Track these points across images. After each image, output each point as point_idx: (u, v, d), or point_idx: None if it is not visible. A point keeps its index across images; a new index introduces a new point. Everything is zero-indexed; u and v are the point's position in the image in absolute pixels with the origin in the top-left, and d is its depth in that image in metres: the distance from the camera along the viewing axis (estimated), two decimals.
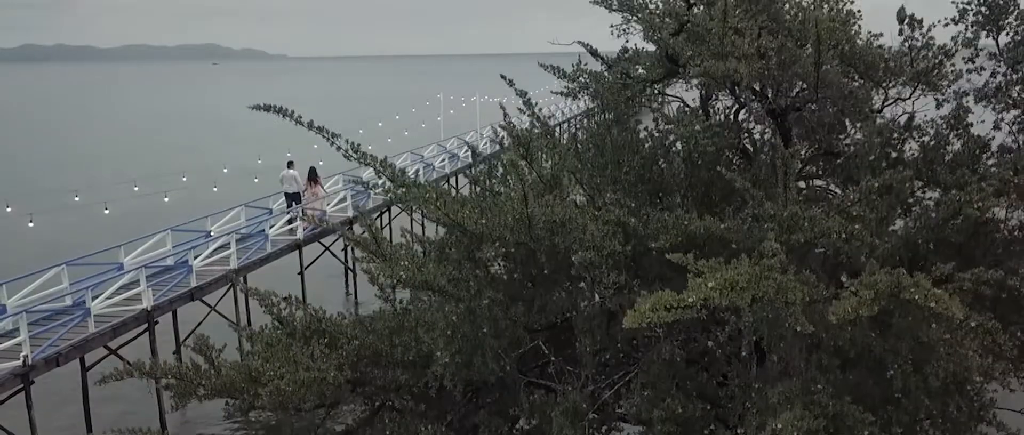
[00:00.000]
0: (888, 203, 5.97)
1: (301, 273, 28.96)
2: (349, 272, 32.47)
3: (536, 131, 8.04)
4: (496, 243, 6.19)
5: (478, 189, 7.60)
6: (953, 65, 7.40)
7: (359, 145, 7.55)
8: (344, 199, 31.34)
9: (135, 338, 21.30)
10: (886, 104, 7.49)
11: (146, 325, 20.89)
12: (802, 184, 9.67)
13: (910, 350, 5.35)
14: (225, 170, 40.98)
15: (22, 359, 17.05)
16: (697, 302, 4.52)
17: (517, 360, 6.65)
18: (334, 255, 31.85)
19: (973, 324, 5.07)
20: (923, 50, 7.17)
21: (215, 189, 39.06)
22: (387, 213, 35.11)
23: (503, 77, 8.30)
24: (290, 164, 31.17)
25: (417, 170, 38.50)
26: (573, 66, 9.58)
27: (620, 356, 6.93)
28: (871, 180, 5.88)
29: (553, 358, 6.59)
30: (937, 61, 7.20)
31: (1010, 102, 7.61)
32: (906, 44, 7.21)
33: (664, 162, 7.52)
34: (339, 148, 7.02)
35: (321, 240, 30.76)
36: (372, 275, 6.28)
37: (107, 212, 34.07)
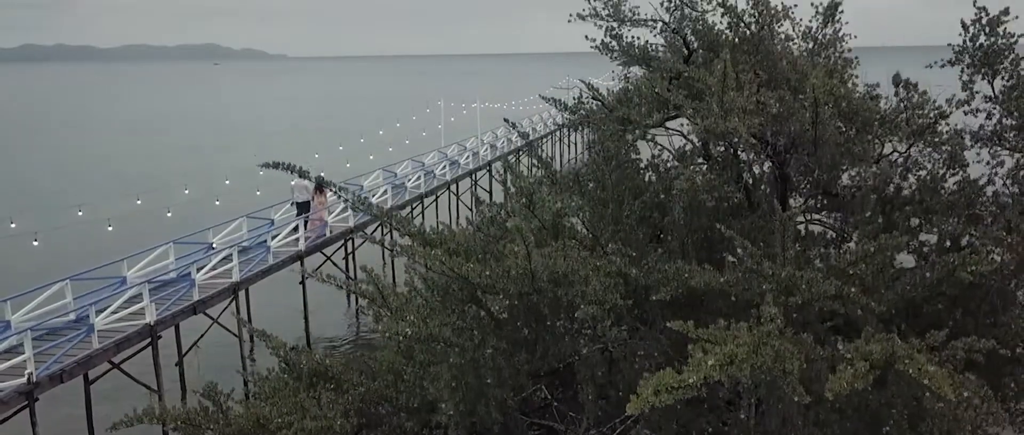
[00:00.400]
0: (883, 264, 6.08)
1: (302, 283, 29.10)
2: (350, 281, 32.59)
3: (539, 173, 8.15)
4: (500, 296, 6.29)
5: (481, 234, 7.69)
6: (948, 123, 7.51)
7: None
8: (345, 209, 31.44)
9: (138, 352, 21.41)
10: (883, 155, 7.60)
11: (149, 339, 20.99)
12: (802, 219, 9.81)
13: (905, 405, 5.47)
14: (227, 181, 41.04)
15: (27, 377, 17.15)
16: (698, 381, 4.63)
17: (520, 403, 6.76)
18: (335, 264, 31.94)
19: (966, 394, 5.19)
20: (918, 109, 7.28)
21: (217, 202, 39.18)
22: (388, 220, 35.23)
23: (506, 121, 8.40)
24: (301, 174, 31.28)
25: (418, 176, 38.63)
26: (574, 99, 9.72)
27: (621, 398, 7.03)
28: (866, 243, 5.99)
29: (556, 402, 6.70)
30: (932, 120, 7.32)
31: (1007, 146, 7.72)
32: (902, 103, 7.32)
33: (665, 209, 7.62)
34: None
35: (323, 250, 30.91)
36: (380, 332, 6.37)
37: (110, 229, 34.13)
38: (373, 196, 34.59)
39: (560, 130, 70.28)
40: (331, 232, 30.61)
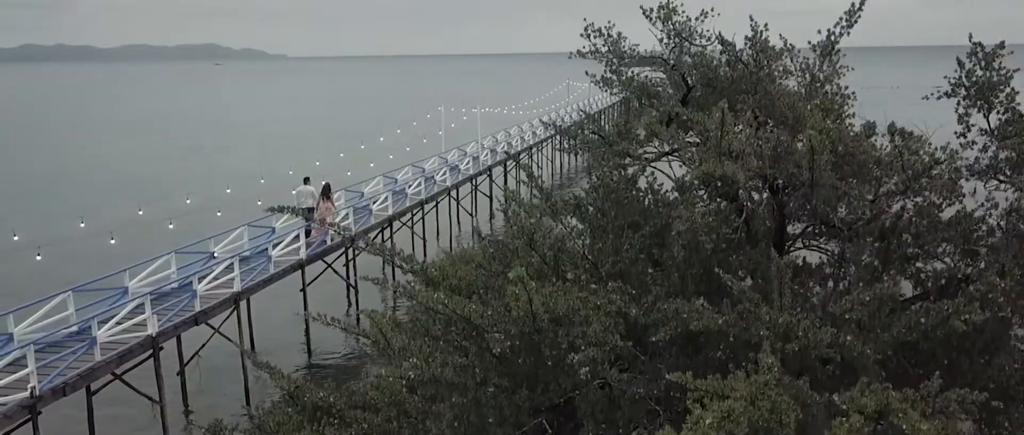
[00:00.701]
0: (878, 310, 6.17)
1: (303, 290, 29.23)
2: (350, 289, 32.72)
3: (539, 204, 8.24)
4: (501, 335, 6.39)
5: (483, 270, 7.77)
6: (944, 168, 7.60)
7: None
8: (346, 217, 31.62)
9: (140, 363, 21.53)
10: (879, 195, 7.69)
11: (151, 351, 21.11)
12: (801, 245, 9.91)
13: None
14: (228, 190, 41.09)
15: (30, 391, 17.26)
16: None
17: None
18: (336, 272, 32.07)
19: None
20: (913, 156, 7.37)
21: (219, 214, 39.31)
22: (389, 228, 35.36)
23: (505, 192, 8.50)
24: (306, 180, 31.93)
25: (419, 183, 38.74)
26: (575, 129, 9.83)
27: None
28: (863, 292, 6.10)
29: None
30: (928, 166, 7.41)
31: (1002, 179, 7.81)
32: (897, 149, 7.42)
33: (664, 244, 7.72)
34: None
35: (324, 258, 31.07)
36: (383, 377, 6.46)
37: (112, 242, 34.20)
38: (374, 202, 34.77)
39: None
40: (332, 240, 30.75)
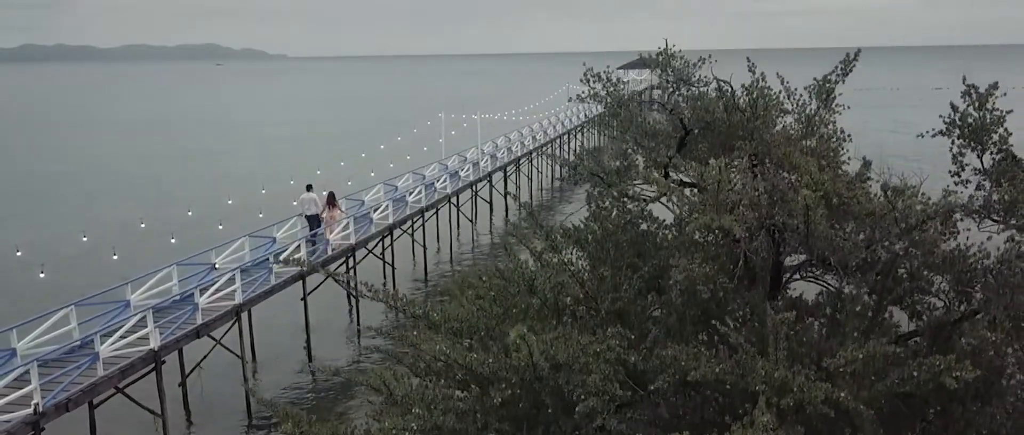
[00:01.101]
0: (872, 362, 6.29)
1: (304, 299, 29.34)
2: (352, 299, 32.80)
3: (540, 236, 8.36)
4: (502, 385, 6.51)
5: (483, 314, 7.87)
6: (936, 222, 7.70)
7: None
8: (347, 226, 31.75)
9: (142, 376, 21.64)
10: (875, 243, 7.80)
11: (153, 364, 21.21)
12: (798, 276, 10.02)
13: None
14: (230, 201, 41.16)
15: (33, 407, 17.37)
16: None
17: None
18: (337, 281, 32.07)
19: None
20: (907, 211, 7.48)
21: (220, 226, 39.42)
22: (389, 236, 35.44)
23: (505, 247, 8.60)
24: (309, 188, 32.26)
25: (419, 191, 38.81)
26: (576, 162, 9.95)
27: None
28: (855, 350, 6.21)
29: None
30: (921, 220, 7.52)
31: (995, 220, 7.92)
32: (890, 204, 7.52)
33: (663, 288, 7.84)
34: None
35: (325, 267, 31.20)
36: (386, 430, 6.57)
37: (115, 258, 34.30)
38: (375, 211, 34.89)
39: (567, 134, 70.49)
40: (334, 250, 30.91)
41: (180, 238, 38.22)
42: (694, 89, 8.53)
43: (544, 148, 63.81)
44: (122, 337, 20.39)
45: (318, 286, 30.96)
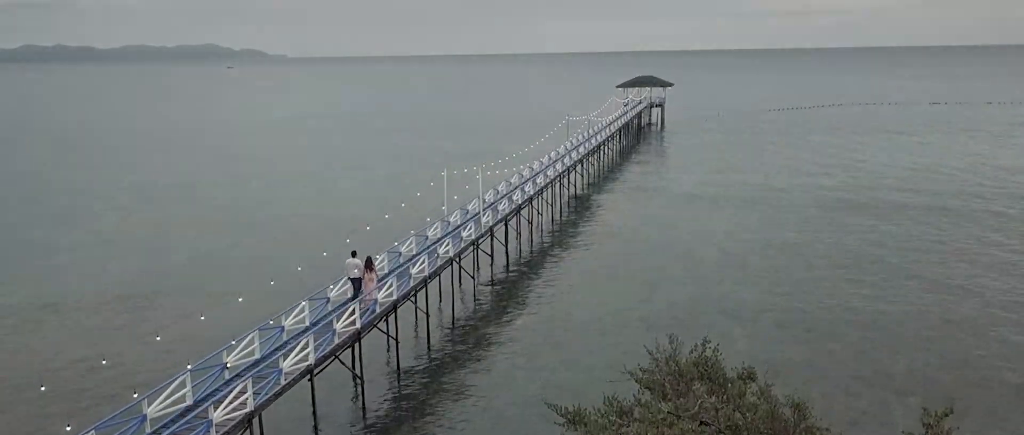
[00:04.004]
0: None
1: (311, 380, 29.99)
2: (358, 380, 33.60)
3: None
4: None
5: None
6: None
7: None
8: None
9: None
10: None
11: None
12: None
13: None
14: (240, 299, 41.23)
15: None
16: None
17: None
18: (343, 364, 32.91)
19: None
20: None
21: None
22: (393, 313, 36.09)
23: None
24: (354, 254, 36.20)
25: (422, 261, 39.53)
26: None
27: None
28: None
29: None
30: None
31: None
32: None
33: None
34: None
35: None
36: None
37: (158, 339, 35.09)
38: (378, 291, 35.75)
39: (560, 176, 71.13)
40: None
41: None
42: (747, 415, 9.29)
43: (543, 192, 64.67)
44: None
45: (324, 367, 31.55)
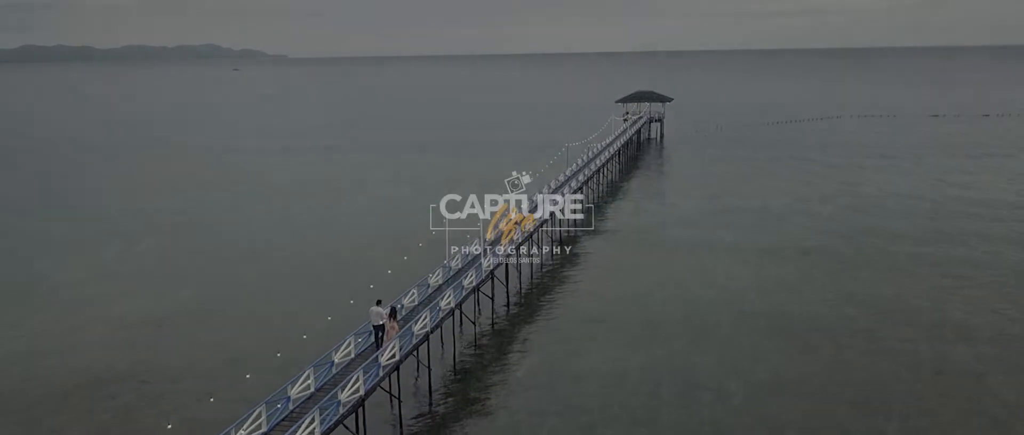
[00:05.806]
0: None
1: None
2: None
3: None
4: None
5: None
6: None
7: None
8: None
9: None
10: None
11: None
12: None
13: None
14: (248, 376, 40.64)
15: None
16: None
17: None
18: (347, 429, 33.50)
19: None
20: None
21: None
22: (396, 373, 36.66)
23: None
24: (379, 302, 37.78)
25: (425, 317, 39.98)
26: None
27: None
28: None
29: None
30: None
31: None
32: None
33: None
34: None
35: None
36: None
37: (169, 427, 34.74)
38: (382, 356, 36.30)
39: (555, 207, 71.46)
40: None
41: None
42: None
43: (544, 225, 65.27)
44: None
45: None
